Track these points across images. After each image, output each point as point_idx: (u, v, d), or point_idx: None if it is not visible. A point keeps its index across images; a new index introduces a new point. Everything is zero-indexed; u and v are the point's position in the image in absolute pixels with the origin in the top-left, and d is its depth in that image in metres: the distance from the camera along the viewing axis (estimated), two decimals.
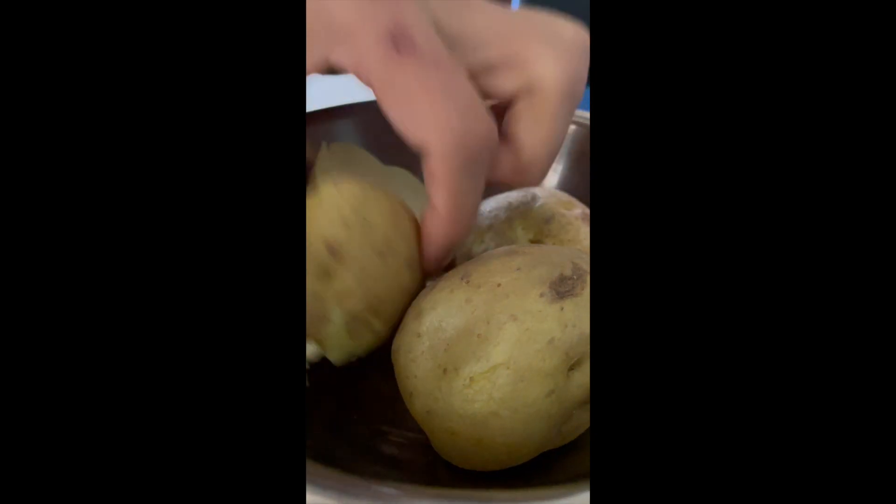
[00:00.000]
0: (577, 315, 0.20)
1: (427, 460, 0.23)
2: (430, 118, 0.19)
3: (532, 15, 0.24)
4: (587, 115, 0.35)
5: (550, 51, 0.23)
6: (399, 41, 0.19)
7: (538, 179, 0.25)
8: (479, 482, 0.22)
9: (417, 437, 0.24)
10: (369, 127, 0.35)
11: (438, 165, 0.20)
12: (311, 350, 0.22)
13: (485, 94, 0.23)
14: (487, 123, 0.21)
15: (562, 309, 0.20)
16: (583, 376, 0.21)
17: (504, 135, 0.24)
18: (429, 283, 0.24)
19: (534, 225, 0.30)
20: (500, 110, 0.24)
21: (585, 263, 0.22)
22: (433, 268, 0.24)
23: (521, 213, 0.30)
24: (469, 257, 0.30)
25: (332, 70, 0.21)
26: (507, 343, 0.20)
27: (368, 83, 0.20)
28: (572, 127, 0.36)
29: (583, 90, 0.24)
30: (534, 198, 0.31)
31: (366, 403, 0.27)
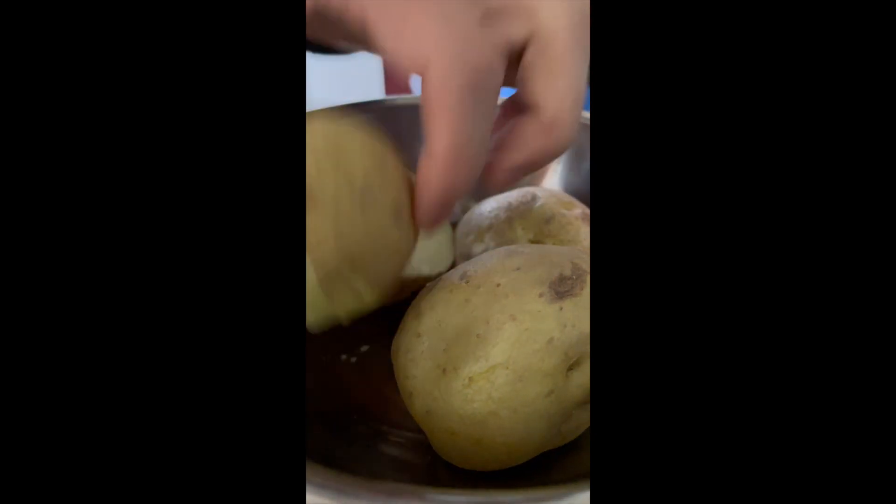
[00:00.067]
0: (576, 315, 0.20)
1: (427, 460, 0.23)
2: (428, 36, 0.18)
3: None
4: (587, 115, 0.35)
5: None
6: None
7: (568, 137, 0.22)
8: (479, 482, 0.22)
9: (417, 437, 0.24)
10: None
11: (436, 88, 0.18)
12: None
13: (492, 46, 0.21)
14: (492, 54, 0.19)
15: (561, 309, 0.20)
16: (582, 376, 0.21)
17: (520, 103, 0.22)
18: (428, 284, 0.24)
19: (534, 225, 0.30)
20: (510, 72, 0.22)
21: (585, 263, 0.22)
22: (428, 221, 0.20)
23: (521, 213, 0.30)
24: (469, 257, 0.30)
25: (329, 48, 0.19)
26: (507, 343, 0.20)
27: (362, 17, 0.19)
28: None
29: (588, 39, 0.22)
30: (534, 198, 0.31)
31: (366, 403, 0.27)
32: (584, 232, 0.29)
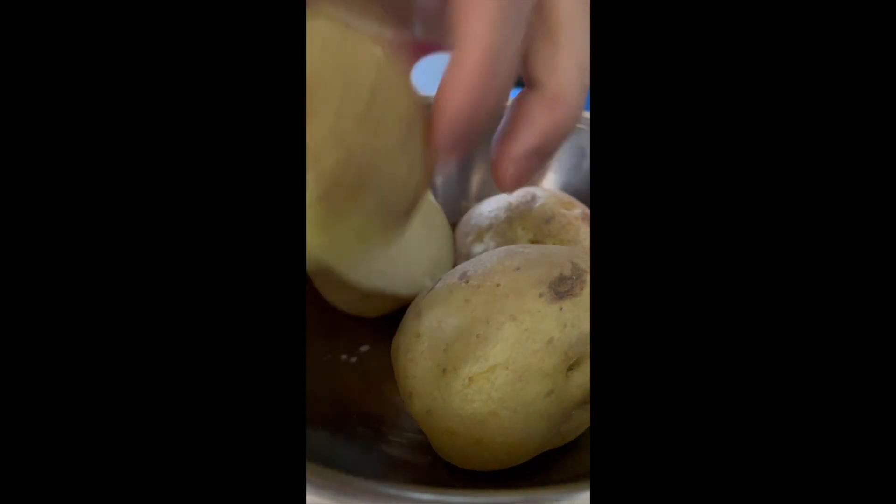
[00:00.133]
0: (576, 315, 0.20)
1: (427, 460, 0.23)
2: None
3: None
4: (587, 115, 0.35)
5: None
6: None
7: (575, 109, 0.20)
8: (479, 482, 0.22)
9: (417, 437, 0.24)
10: None
11: None
12: None
13: None
14: None
15: (561, 309, 0.20)
16: (582, 376, 0.21)
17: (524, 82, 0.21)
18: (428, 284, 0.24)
19: (534, 225, 0.30)
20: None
21: (585, 263, 0.22)
22: (448, 143, 0.17)
23: (521, 213, 0.30)
24: (469, 257, 0.30)
25: None
26: (506, 343, 0.20)
27: None
28: None
29: (589, 7, 0.20)
30: (534, 198, 0.31)
31: (366, 403, 0.27)
32: (584, 232, 0.29)
